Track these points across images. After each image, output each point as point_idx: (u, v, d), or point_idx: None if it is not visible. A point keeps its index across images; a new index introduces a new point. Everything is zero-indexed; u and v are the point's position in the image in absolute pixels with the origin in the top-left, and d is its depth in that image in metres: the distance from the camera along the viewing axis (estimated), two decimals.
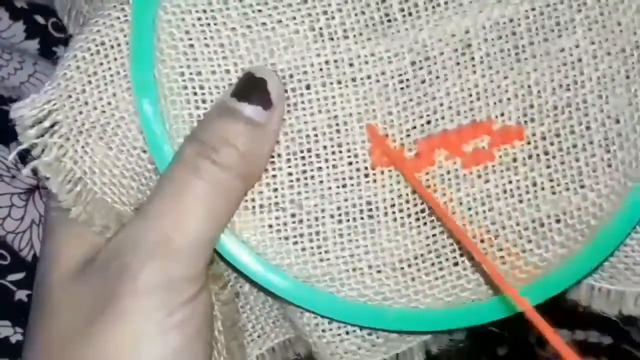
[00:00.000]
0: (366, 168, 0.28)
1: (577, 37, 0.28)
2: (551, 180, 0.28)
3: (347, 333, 0.30)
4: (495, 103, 0.28)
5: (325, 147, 0.28)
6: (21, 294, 0.42)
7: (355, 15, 0.28)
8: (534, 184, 0.28)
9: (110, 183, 0.29)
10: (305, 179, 0.28)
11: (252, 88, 0.27)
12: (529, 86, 0.28)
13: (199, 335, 0.27)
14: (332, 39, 0.28)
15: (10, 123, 0.28)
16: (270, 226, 0.28)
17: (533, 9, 0.28)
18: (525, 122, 0.28)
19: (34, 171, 0.28)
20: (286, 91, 0.28)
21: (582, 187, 0.28)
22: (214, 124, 0.27)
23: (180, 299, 0.26)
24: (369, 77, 0.28)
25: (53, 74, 0.29)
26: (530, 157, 0.28)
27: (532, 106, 0.28)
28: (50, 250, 0.29)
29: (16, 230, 0.43)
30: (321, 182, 0.28)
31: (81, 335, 0.26)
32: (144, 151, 0.29)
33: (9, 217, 0.43)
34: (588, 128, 0.28)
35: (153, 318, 0.26)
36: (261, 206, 0.28)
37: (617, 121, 0.28)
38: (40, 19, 0.53)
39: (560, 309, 0.29)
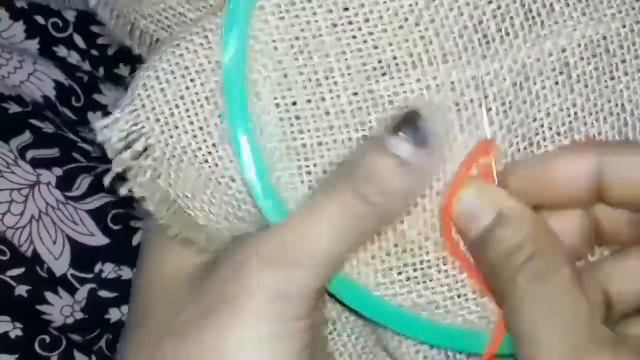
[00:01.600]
0: None
1: None
2: None
3: (448, 358, 0.29)
4: (592, 123, 0.28)
5: None
6: (21, 290, 0.42)
7: (454, 39, 0.27)
8: None
9: (200, 209, 0.28)
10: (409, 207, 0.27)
11: (410, 125, 0.26)
12: (623, 104, 0.28)
13: (306, 352, 0.27)
14: (431, 64, 0.27)
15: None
16: (374, 257, 0.27)
17: (624, 26, 0.28)
18: None
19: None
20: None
21: None
22: (365, 156, 0.26)
23: (295, 311, 0.26)
24: (471, 101, 0.27)
25: (131, 92, 0.28)
26: None
27: (626, 124, 0.28)
28: (158, 256, 0.29)
29: (16, 225, 0.43)
30: (424, 210, 0.27)
31: (191, 334, 0.26)
32: (233, 180, 0.28)
33: (9, 212, 0.43)
34: None
35: (266, 324, 0.25)
36: None
37: None
38: (40, 19, 0.53)
39: None
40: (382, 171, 0.25)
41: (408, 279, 0.28)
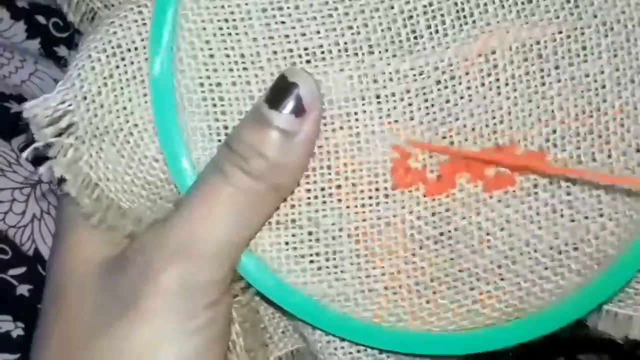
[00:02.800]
0: (386, 188, 0.27)
1: (602, 63, 0.27)
2: (570, 208, 0.28)
3: (359, 352, 0.29)
4: (518, 127, 0.27)
5: (345, 165, 0.27)
6: (22, 289, 0.42)
7: (382, 31, 0.27)
8: (554, 211, 0.28)
9: (122, 190, 0.28)
10: (324, 196, 0.27)
11: (283, 93, 0.25)
12: (553, 111, 0.28)
13: (221, 339, 0.27)
14: (356, 54, 0.27)
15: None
16: (287, 243, 0.27)
17: (560, 32, 0.27)
18: (548, 147, 0.28)
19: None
20: None
21: (601, 215, 0.27)
22: (245, 132, 0.26)
23: (202, 303, 0.26)
24: (393, 94, 0.27)
25: (66, 73, 0.28)
26: (551, 183, 0.28)
27: (555, 131, 0.28)
28: (69, 247, 0.29)
29: (17, 224, 0.43)
30: (339, 200, 0.27)
31: (104, 332, 0.26)
32: (156, 160, 0.28)
33: (11, 211, 0.43)
34: (609, 156, 0.27)
35: (175, 321, 0.26)
36: (278, 222, 0.27)
37: (638, 150, 0.27)
38: (41, 19, 0.53)
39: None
40: (268, 145, 0.25)
41: (319, 268, 0.27)
